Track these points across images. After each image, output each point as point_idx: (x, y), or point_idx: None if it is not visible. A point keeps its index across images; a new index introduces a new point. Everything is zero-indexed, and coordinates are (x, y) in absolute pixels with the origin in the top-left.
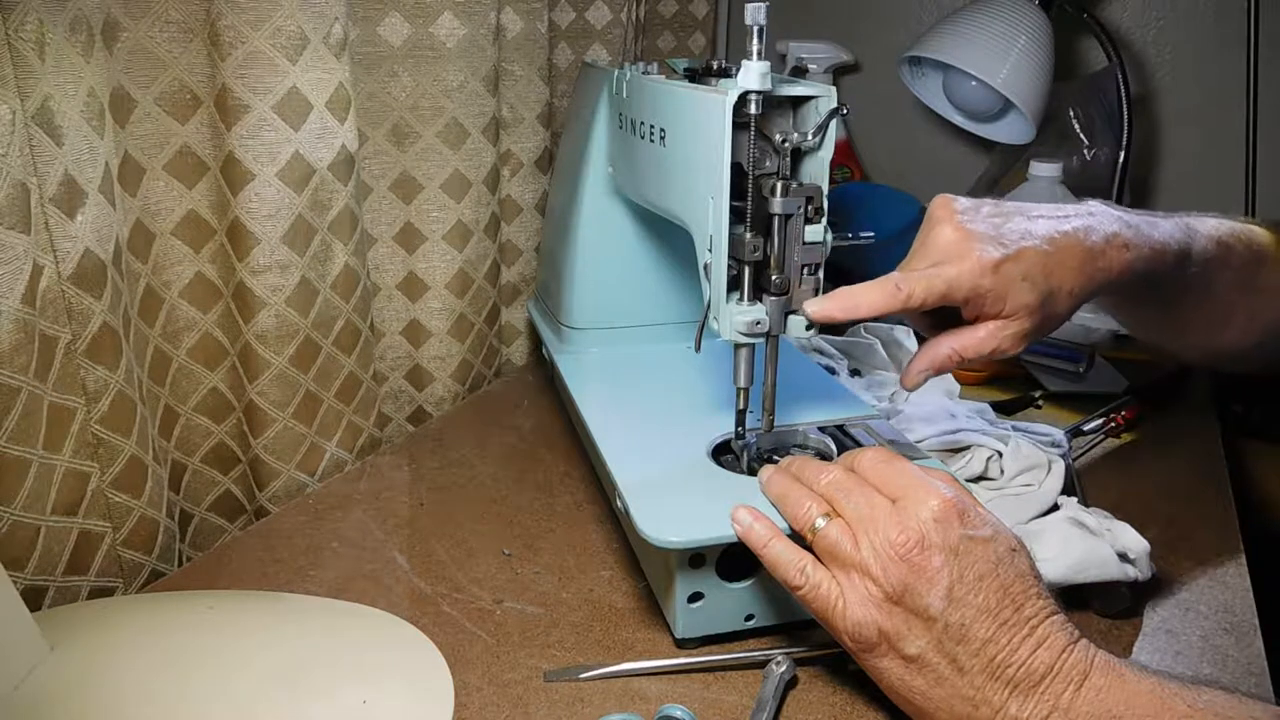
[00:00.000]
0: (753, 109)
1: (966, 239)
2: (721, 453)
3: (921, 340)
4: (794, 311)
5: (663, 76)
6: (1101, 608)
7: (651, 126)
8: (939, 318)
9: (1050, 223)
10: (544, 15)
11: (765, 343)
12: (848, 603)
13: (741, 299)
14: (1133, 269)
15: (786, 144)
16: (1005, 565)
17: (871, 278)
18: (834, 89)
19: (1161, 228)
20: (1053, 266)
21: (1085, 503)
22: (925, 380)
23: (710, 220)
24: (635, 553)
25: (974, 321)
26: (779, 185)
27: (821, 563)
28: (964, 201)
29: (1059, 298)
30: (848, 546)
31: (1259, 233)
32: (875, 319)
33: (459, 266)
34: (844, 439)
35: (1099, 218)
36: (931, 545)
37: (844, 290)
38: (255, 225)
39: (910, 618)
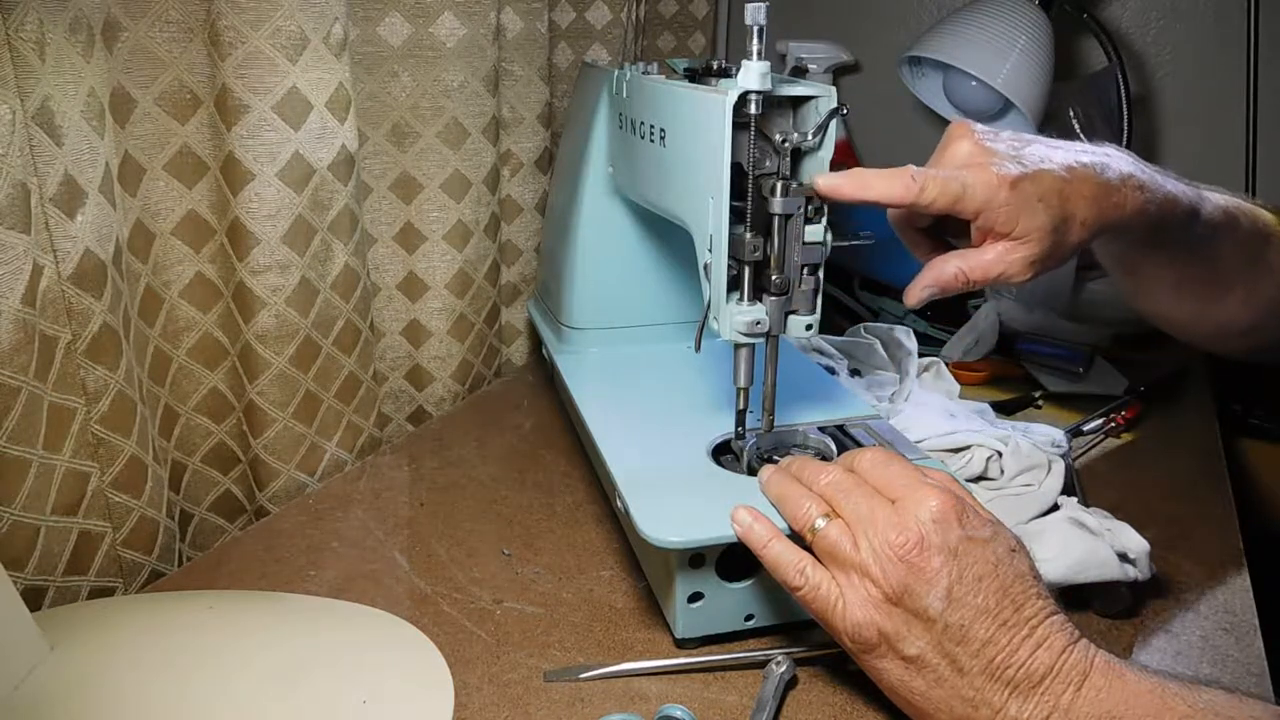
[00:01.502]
0: (753, 109)
1: (985, 154)
2: (721, 453)
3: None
4: (794, 311)
5: (663, 76)
6: (1101, 608)
7: (651, 126)
8: (939, 246)
9: (1069, 154)
10: (544, 15)
11: (765, 343)
12: (847, 603)
13: (741, 299)
14: (1145, 211)
15: (786, 144)
16: (1005, 566)
17: (872, 278)
18: (834, 89)
19: (1174, 183)
20: (1069, 194)
21: (1085, 503)
22: (928, 297)
23: (710, 220)
24: (635, 553)
25: (982, 244)
26: (779, 185)
27: (821, 563)
28: (983, 126)
29: (1071, 226)
30: (847, 547)
31: (1263, 213)
32: (886, 205)
33: (459, 266)
34: (844, 439)
35: (1115, 159)
36: (931, 546)
37: (859, 170)
38: (255, 225)
39: (910, 618)
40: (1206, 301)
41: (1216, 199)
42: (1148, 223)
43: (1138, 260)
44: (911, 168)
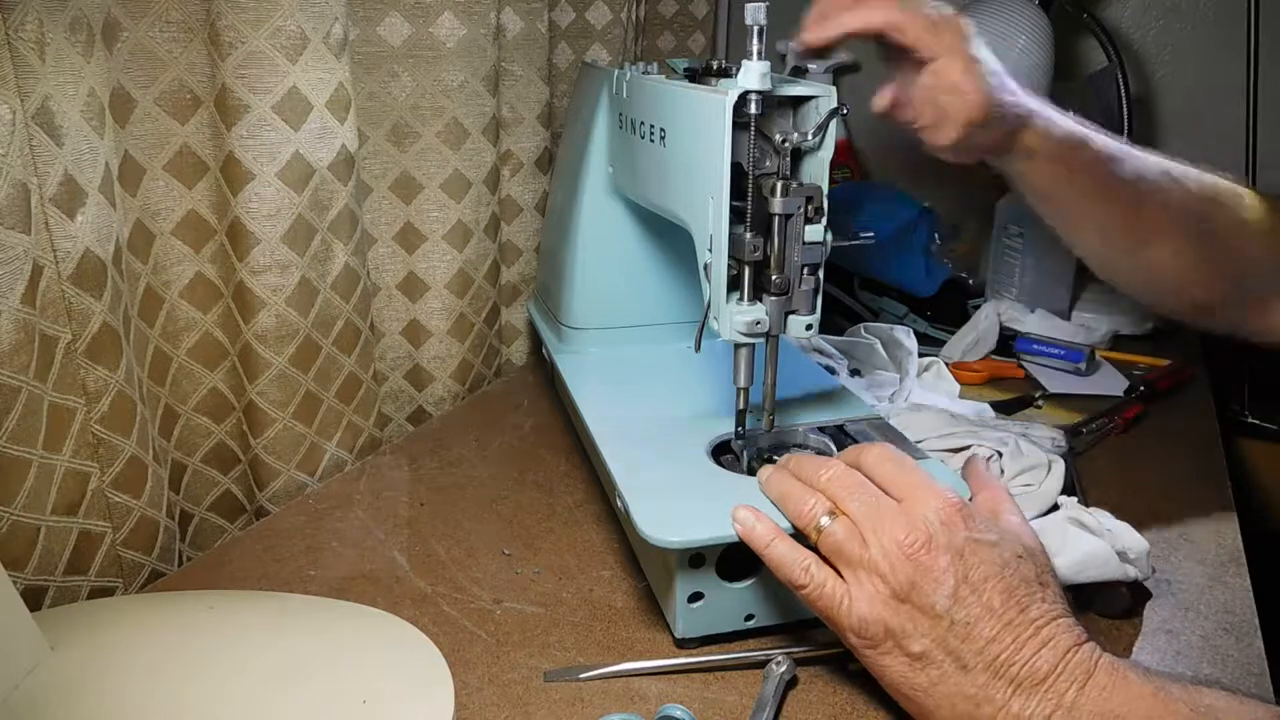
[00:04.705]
0: (753, 109)
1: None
2: (721, 453)
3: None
4: (794, 311)
5: (663, 76)
6: (1101, 608)
7: (651, 126)
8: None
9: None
10: (544, 15)
11: (765, 343)
12: (854, 600)
13: (741, 299)
14: (1022, 125)
15: (786, 144)
16: (1010, 569)
17: (871, 278)
18: (834, 89)
19: (1096, 133)
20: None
21: (1085, 503)
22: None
23: (710, 220)
24: (635, 553)
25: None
26: (779, 185)
27: (824, 560)
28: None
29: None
30: (856, 545)
31: (1238, 190)
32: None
33: (459, 266)
34: (844, 439)
35: (1023, 95)
36: (938, 545)
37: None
38: (255, 225)
39: (916, 615)
40: (1130, 246)
41: (1160, 163)
42: (1038, 148)
43: (1050, 191)
44: None
